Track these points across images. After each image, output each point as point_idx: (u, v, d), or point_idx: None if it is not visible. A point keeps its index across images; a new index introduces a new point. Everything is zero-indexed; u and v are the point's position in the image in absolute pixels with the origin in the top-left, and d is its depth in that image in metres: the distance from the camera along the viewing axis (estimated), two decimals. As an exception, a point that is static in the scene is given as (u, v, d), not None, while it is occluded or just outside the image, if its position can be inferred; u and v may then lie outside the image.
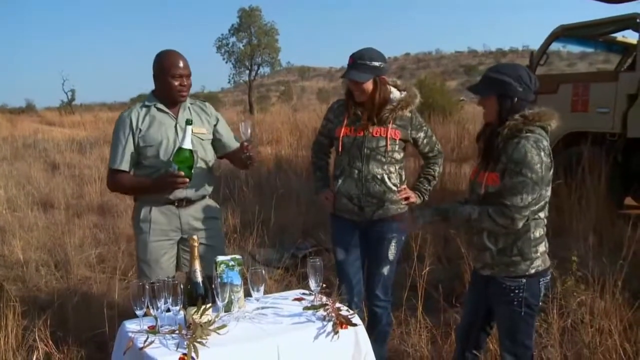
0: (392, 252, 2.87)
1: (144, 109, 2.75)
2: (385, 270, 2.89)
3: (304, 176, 7.34)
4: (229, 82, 34.18)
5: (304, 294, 2.38)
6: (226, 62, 33.08)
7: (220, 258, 2.16)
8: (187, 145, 2.54)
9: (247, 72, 33.37)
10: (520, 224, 2.17)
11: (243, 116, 20.46)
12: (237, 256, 2.18)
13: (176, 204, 2.75)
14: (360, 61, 2.71)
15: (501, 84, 2.20)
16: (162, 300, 1.93)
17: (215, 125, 2.89)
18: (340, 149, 2.85)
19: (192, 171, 2.59)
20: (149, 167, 2.72)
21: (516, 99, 2.19)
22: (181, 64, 2.68)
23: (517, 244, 2.23)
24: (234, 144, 2.90)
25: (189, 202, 2.78)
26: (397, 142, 2.81)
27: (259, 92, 47.88)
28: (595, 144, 5.47)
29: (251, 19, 31.88)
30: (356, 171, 2.81)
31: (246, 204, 6.19)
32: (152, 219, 2.74)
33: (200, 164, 2.77)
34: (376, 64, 2.72)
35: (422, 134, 2.89)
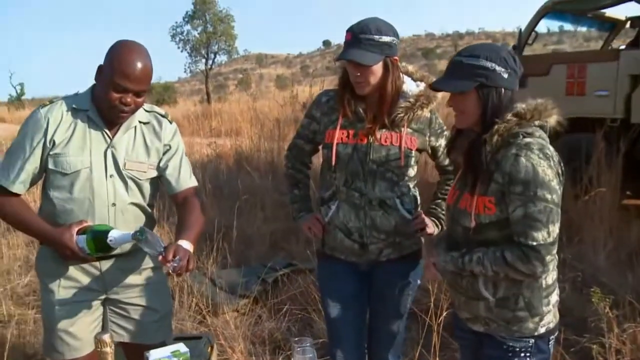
0: (404, 304, 2.10)
1: (71, 114, 1.85)
2: (396, 326, 2.11)
3: (269, 178, 6.48)
4: (185, 72, 32.76)
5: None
6: (181, 51, 31.71)
7: (154, 356, 1.36)
8: (115, 245, 1.76)
9: (204, 60, 32.12)
10: (551, 267, 1.58)
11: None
12: (182, 348, 1.39)
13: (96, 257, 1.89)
14: (363, 35, 1.86)
15: (482, 71, 1.57)
16: None
17: (164, 155, 1.99)
18: (334, 162, 2.00)
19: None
20: (52, 202, 1.86)
21: (503, 90, 1.59)
22: (135, 73, 1.76)
23: (524, 294, 1.63)
24: (184, 185, 2.02)
25: (114, 255, 1.94)
26: (413, 153, 2.01)
27: (217, 80, 46.42)
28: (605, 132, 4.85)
29: (206, 5, 30.51)
30: (356, 194, 1.99)
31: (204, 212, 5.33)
32: (62, 274, 1.90)
33: (134, 211, 1.93)
34: (387, 39, 1.88)
35: (442, 142, 2.07)
